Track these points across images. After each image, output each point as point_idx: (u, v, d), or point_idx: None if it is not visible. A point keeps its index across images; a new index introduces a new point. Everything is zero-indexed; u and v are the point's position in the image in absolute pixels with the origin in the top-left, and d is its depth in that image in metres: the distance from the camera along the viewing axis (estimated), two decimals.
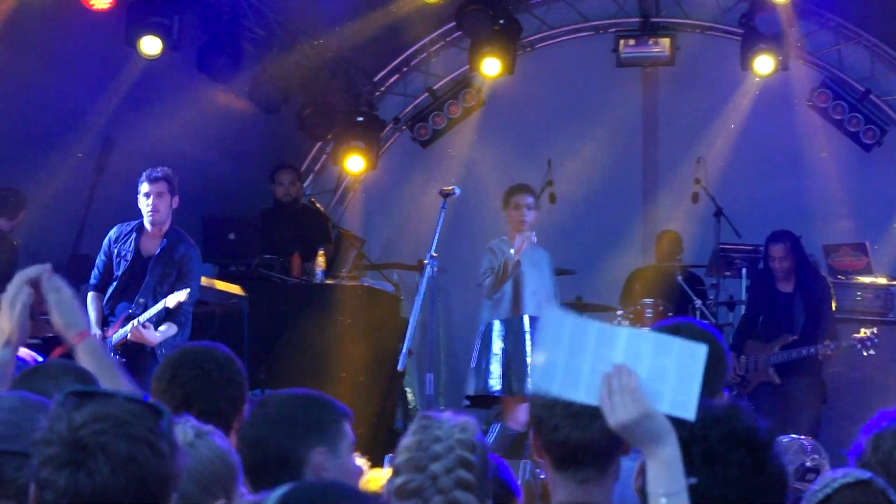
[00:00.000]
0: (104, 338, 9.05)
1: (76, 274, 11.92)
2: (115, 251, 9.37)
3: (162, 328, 9.14)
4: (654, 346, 3.15)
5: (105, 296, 9.38)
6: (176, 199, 9.41)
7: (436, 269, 9.60)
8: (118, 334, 9.06)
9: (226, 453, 3.52)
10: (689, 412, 3.10)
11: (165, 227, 9.39)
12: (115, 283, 9.30)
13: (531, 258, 10.89)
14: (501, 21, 13.64)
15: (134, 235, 9.37)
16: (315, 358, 11.64)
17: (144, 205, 9.30)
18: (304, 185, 14.55)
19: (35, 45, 12.10)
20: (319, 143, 15.13)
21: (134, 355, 9.00)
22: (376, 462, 5.14)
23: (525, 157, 14.03)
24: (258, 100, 13.50)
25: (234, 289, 11.32)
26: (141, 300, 9.11)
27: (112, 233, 9.54)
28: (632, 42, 14.57)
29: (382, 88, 15.21)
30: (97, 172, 13.08)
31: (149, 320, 9.07)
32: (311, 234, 13.19)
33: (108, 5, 11.86)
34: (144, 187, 9.30)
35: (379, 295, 12.70)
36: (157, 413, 2.73)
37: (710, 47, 14.60)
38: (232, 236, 12.70)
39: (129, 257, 9.30)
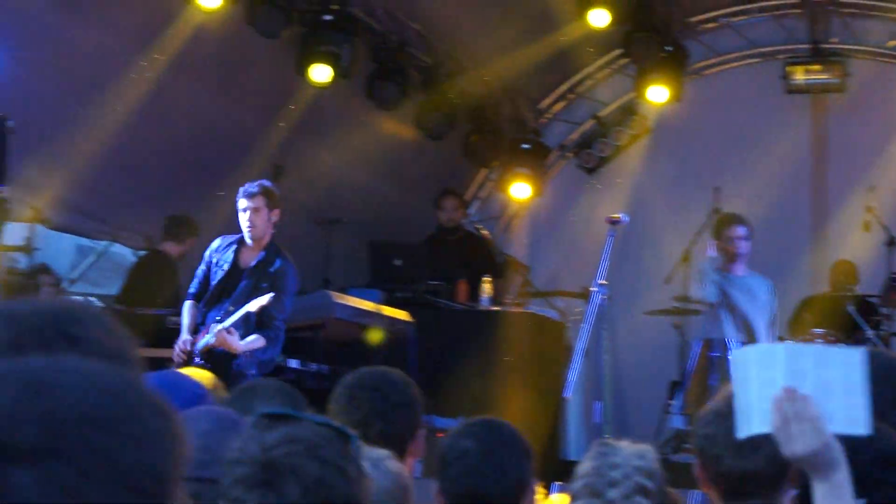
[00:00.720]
0: (193, 344, 9.05)
1: None
2: (215, 261, 9.35)
3: (249, 338, 9.03)
4: (814, 359, 2.98)
5: (200, 304, 9.35)
6: (276, 212, 9.33)
7: (605, 296, 9.55)
8: (203, 341, 9.04)
9: (400, 476, 3.53)
10: (863, 427, 2.94)
11: (265, 241, 9.32)
12: (210, 293, 9.27)
13: (746, 285, 10.92)
14: (669, 48, 13.57)
15: (234, 247, 9.31)
16: (482, 384, 11.64)
17: (243, 220, 9.23)
18: (470, 211, 14.60)
19: (209, 73, 12.35)
20: (485, 169, 15.17)
21: (217, 363, 8.93)
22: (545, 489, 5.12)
23: (692, 184, 13.90)
24: (425, 127, 13.61)
25: (401, 314, 11.38)
26: (230, 308, 9.07)
27: (214, 243, 9.49)
28: (801, 68, 14.38)
29: (548, 115, 15.22)
30: None
31: (237, 329, 9.00)
32: (477, 260, 13.22)
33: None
34: (242, 203, 9.23)
35: (545, 322, 12.67)
36: (346, 437, 2.75)
37: (882, 73, 14.34)
38: (398, 262, 12.75)
39: (226, 268, 9.25)
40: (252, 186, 9.22)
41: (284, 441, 2.68)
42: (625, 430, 11.34)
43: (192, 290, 9.38)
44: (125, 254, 12.31)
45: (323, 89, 12.63)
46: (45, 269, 11.27)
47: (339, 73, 12.47)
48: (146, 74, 11.72)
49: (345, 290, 11.83)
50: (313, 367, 10.77)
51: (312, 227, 12.92)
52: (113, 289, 12.07)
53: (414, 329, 11.37)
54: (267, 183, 9.32)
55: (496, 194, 15.23)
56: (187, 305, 9.29)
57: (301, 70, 12.51)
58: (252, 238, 9.22)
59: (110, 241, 12.28)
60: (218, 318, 9.02)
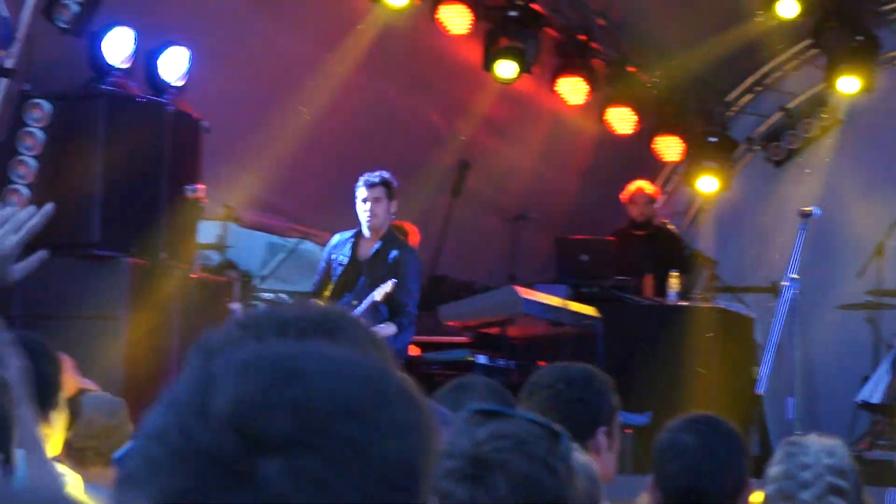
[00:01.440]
0: None
1: (435, 294, 12.22)
2: (334, 257, 9.33)
3: (380, 326, 8.98)
4: None
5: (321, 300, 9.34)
6: (395, 203, 9.28)
7: (796, 290, 9.40)
8: None
9: (588, 468, 3.52)
10: None
11: (383, 232, 9.29)
12: (332, 289, 9.28)
13: None
14: (859, 37, 13.28)
15: (351, 241, 9.30)
16: (670, 380, 11.55)
17: (362, 210, 9.20)
18: (657, 205, 14.49)
19: (397, 71, 12.48)
20: (671, 164, 15.04)
21: None
22: None
23: (885, 175, 13.59)
24: (611, 121, 13.54)
25: (589, 310, 11.35)
26: (353, 301, 9.03)
27: (332, 240, 9.52)
28: None
29: (735, 108, 15.02)
30: (453, 195, 13.35)
31: (364, 317, 8.96)
32: (665, 255, 13.10)
33: (467, 30, 12.12)
34: (362, 192, 9.21)
35: (734, 317, 12.51)
36: (555, 435, 2.75)
37: None
38: (585, 258, 12.70)
39: (345, 262, 9.26)
40: (373, 177, 9.19)
41: (494, 437, 2.69)
42: (817, 426, 11.13)
43: (312, 287, 9.48)
44: (315, 251, 12.48)
45: (509, 85, 12.66)
46: (231, 265, 11.49)
47: (525, 69, 12.48)
48: (336, 73, 11.89)
49: (531, 286, 11.83)
50: (501, 362, 10.81)
51: (499, 222, 12.96)
52: (302, 285, 12.26)
53: (601, 324, 11.33)
54: (387, 174, 9.24)
55: (682, 188, 15.08)
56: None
57: (487, 66, 12.56)
58: (371, 228, 9.19)
59: (300, 238, 12.47)
60: None
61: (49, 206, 3.00)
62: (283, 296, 12.04)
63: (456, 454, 2.69)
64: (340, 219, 11.75)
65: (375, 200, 9.10)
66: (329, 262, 9.36)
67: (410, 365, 10.61)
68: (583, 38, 13.05)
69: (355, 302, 8.97)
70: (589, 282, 12.55)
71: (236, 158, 10.58)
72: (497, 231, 13.02)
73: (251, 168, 11.05)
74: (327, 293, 9.36)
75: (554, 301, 11.12)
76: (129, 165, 9.60)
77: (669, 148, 14.21)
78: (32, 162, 9.37)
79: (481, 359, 10.73)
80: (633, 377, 11.65)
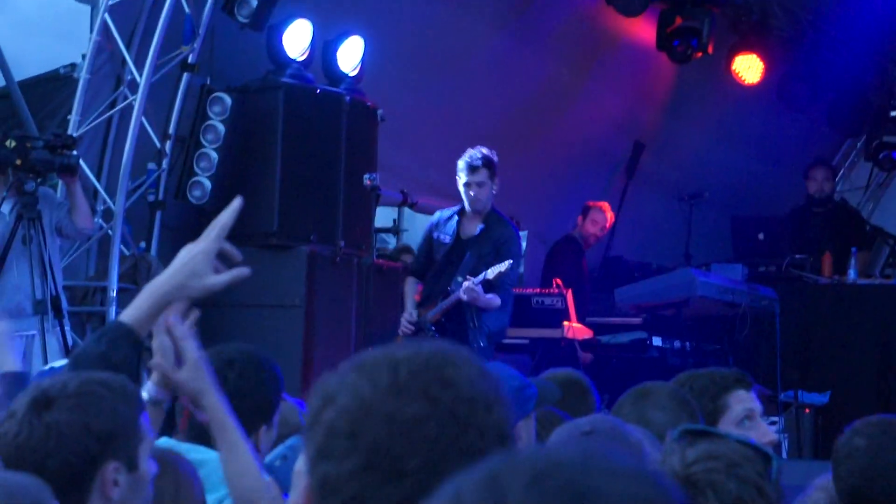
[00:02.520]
0: (419, 316, 9.01)
1: (609, 275, 12.26)
2: (436, 236, 9.22)
3: (489, 296, 8.87)
4: None
5: (424, 280, 9.28)
6: (497, 182, 9.09)
7: None
8: (436, 309, 8.92)
9: None
10: None
11: (486, 211, 9.13)
12: (435, 267, 9.19)
13: None
14: None
15: (455, 219, 9.17)
16: (849, 359, 11.40)
17: (465, 193, 9.06)
18: (835, 181, 14.28)
19: (572, 54, 12.52)
20: (850, 139, 14.80)
21: (450, 335, 8.83)
22: None
23: None
24: (787, 98, 13.38)
25: (766, 290, 11.27)
26: (459, 279, 8.88)
27: (434, 217, 9.40)
28: None
29: None
30: (628, 176, 13.36)
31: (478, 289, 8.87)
32: (844, 232, 12.91)
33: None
34: (463, 177, 9.06)
35: None
36: (766, 458, 2.78)
37: None
38: (761, 236, 12.60)
39: (448, 241, 9.14)
40: (475, 159, 9.03)
41: (704, 458, 2.74)
42: None
43: (412, 266, 9.43)
44: None
45: (683, 65, 12.60)
46: (407, 250, 11.67)
47: (700, 48, 12.40)
48: (509, 56, 11.97)
49: (707, 266, 11.78)
50: (676, 344, 10.81)
51: (674, 202, 12.93)
52: None
53: (778, 304, 11.23)
54: (489, 153, 9.09)
55: (862, 164, 14.83)
56: (409, 281, 9.30)
57: (662, 46, 12.51)
58: (474, 211, 9.10)
59: None
60: (450, 289, 8.95)
61: (238, 201, 3.12)
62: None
63: (667, 474, 2.73)
64: (515, 201, 11.87)
65: (479, 185, 8.98)
66: (431, 239, 9.28)
67: (585, 347, 10.68)
68: (759, 16, 12.91)
69: (461, 279, 8.87)
70: (766, 261, 12.42)
71: (411, 145, 10.76)
72: (672, 211, 12.99)
73: (425, 154, 11.21)
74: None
75: (730, 282, 11.06)
76: (307, 155, 9.84)
77: (849, 123, 13.97)
78: (214, 154, 9.66)
79: (656, 341, 10.74)
80: (811, 357, 11.53)
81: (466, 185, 9.00)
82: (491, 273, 8.74)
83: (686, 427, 2.81)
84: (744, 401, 4.27)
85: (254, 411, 3.78)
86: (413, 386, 1.81)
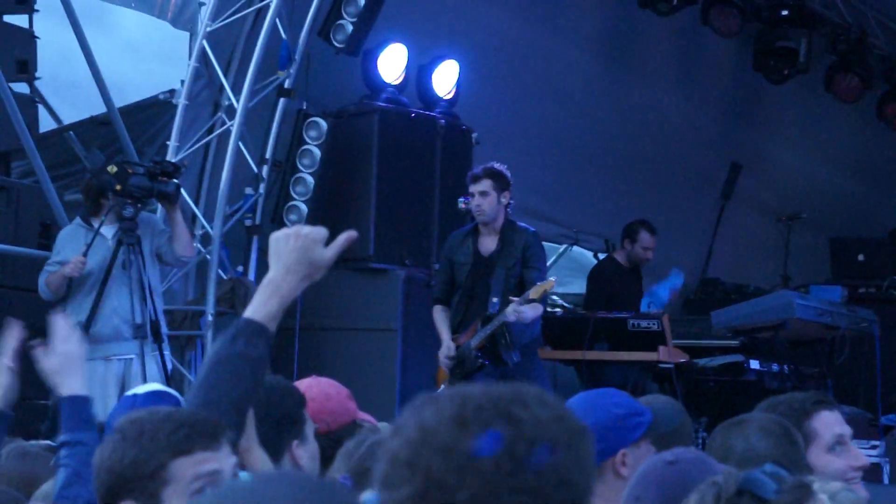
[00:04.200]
0: (457, 347, 8.74)
1: (706, 297, 12.17)
2: (455, 259, 8.96)
3: (531, 307, 8.57)
4: None
5: (452, 306, 9.02)
6: (507, 194, 8.82)
7: None
8: (480, 335, 8.73)
9: None
10: None
11: (499, 224, 8.88)
12: (460, 291, 8.94)
13: None
14: None
15: (471, 238, 8.94)
16: None
17: (473, 205, 8.84)
18: None
19: (667, 74, 12.48)
20: None
21: (494, 357, 8.68)
22: None
23: None
24: (887, 118, 13.23)
25: (865, 311, 11.13)
26: (494, 300, 8.66)
27: (448, 241, 9.15)
28: None
29: None
30: (725, 197, 13.27)
31: (497, 305, 8.67)
32: None
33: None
34: (470, 187, 8.85)
35: None
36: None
37: None
38: (861, 257, 12.47)
39: (467, 261, 8.91)
40: (477, 169, 8.86)
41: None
42: None
43: (436, 294, 9.11)
44: (585, 255, 12.61)
45: (781, 85, 12.51)
46: None
47: (798, 68, 12.31)
48: (604, 80, 11.96)
49: (805, 287, 11.67)
50: (774, 367, 10.69)
51: (772, 224, 12.82)
52: (574, 287, 12.39)
53: (878, 326, 11.09)
54: (497, 167, 8.86)
55: None
56: (438, 310, 9.00)
57: (759, 67, 12.43)
58: (481, 222, 8.88)
59: (571, 243, 12.61)
60: (489, 311, 8.70)
61: (353, 235, 3.14)
62: (556, 297, 12.19)
63: None
64: (609, 223, 11.84)
65: (482, 194, 8.75)
66: (451, 263, 9.01)
67: (681, 370, 10.60)
68: (858, 34, 12.77)
69: (495, 300, 8.67)
70: (866, 282, 12.30)
71: (507, 168, 10.74)
72: (770, 232, 12.88)
73: (520, 177, 11.21)
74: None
75: (829, 304, 10.94)
76: (402, 179, 9.89)
77: None
78: (310, 179, 9.74)
79: (754, 364, 10.63)
80: None
81: (471, 195, 8.84)
82: (534, 293, 8.53)
83: (771, 469, 2.78)
84: (831, 425, 4.18)
85: (276, 431, 3.79)
86: (476, 420, 1.83)
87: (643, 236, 11.05)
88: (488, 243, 8.91)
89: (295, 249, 3.03)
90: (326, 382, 4.44)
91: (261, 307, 3.04)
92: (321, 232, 3.06)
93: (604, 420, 3.78)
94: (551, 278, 8.74)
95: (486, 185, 8.77)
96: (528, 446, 1.83)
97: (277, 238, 3.07)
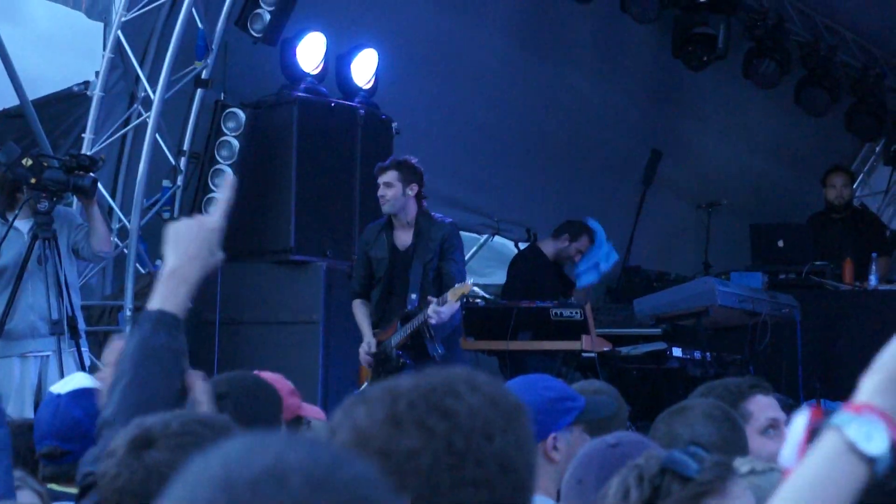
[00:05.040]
0: (379, 343, 8.72)
1: (628, 285, 12.19)
2: (371, 253, 8.90)
3: (452, 306, 8.53)
4: None
5: (372, 301, 8.96)
6: (414, 186, 8.73)
7: None
8: (400, 333, 8.66)
9: None
10: None
11: (412, 216, 8.81)
12: (380, 286, 8.90)
13: None
14: None
15: (385, 232, 8.87)
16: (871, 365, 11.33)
17: (379, 195, 8.81)
18: (854, 187, 14.22)
19: (586, 61, 12.48)
20: (869, 143, 14.72)
21: (415, 353, 8.64)
22: None
23: None
24: (805, 103, 13.31)
25: (786, 297, 11.19)
26: (412, 296, 8.65)
27: (364, 235, 9.11)
28: None
29: None
30: (645, 184, 13.29)
31: (415, 300, 8.66)
32: (865, 238, 12.83)
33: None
34: (377, 179, 8.81)
35: None
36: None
37: None
38: (781, 243, 12.51)
39: (384, 255, 8.85)
40: (385, 161, 8.82)
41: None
42: None
43: (355, 287, 9.03)
44: (507, 245, 12.58)
45: (700, 71, 12.54)
46: None
47: (717, 55, 12.34)
48: (523, 67, 11.93)
49: (726, 274, 11.71)
50: (697, 354, 10.72)
51: (692, 210, 12.87)
52: (495, 278, 12.36)
53: (799, 311, 11.15)
54: (404, 158, 8.83)
55: (881, 168, 14.76)
56: (358, 305, 8.94)
57: (678, 53, 12.46)
58: (386, 212, 8.81)
59: (493, 232, 12.57)
60: (408, 308, 8.67)
61: (232, 177, 3.15)
62: (476, 288, 12.15)
63: None
64: (531, 212, 11.83)
65: (386, 185, 8.69)
66: (368, 257, 8.94)
67: (605, 359, 10.60)
68: (775, 20, 12.83)
69: (413, 296, 8.63)
70: (786, 268, 12.35)
71: (426, 157, 10.68)
72: (690, 219, 12.94)
73: (440, 166, 11.17)
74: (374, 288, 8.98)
75: (750, 290, 10.99)
76: (323, 170, 9.81)
77: (867, 127, 13.90)
78: (229, 170, 9.63)
79: (676, 351, 10.65)
80: (834, 364, 11.47)
81: (377, 186, 8.79)
82: (452, 295, 8.47)
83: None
84: (765, 408, 4.20)
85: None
86: (409, 418, 1.80)
87: (583, 241, 11.07)
88: (404, 237, 8.84)
89: (197, 238, 3.02)
90: (270, 377, 4.36)
91: (171, 297, 3.00)
92: (221, 222, 3.06)
93: (535, 403, 3.74)
94: (469, 281, 8.66)
95: (391, 175, 8.69)
96: (466, 439, 1.80)
97: (178, 227, 3.05)
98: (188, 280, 3.02)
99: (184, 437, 2.68)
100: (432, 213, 8.92)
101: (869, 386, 1.87)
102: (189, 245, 3.02)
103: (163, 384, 2.96)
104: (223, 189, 3.21)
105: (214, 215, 3.06)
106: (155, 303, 3.00)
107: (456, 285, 8.52)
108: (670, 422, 3.86)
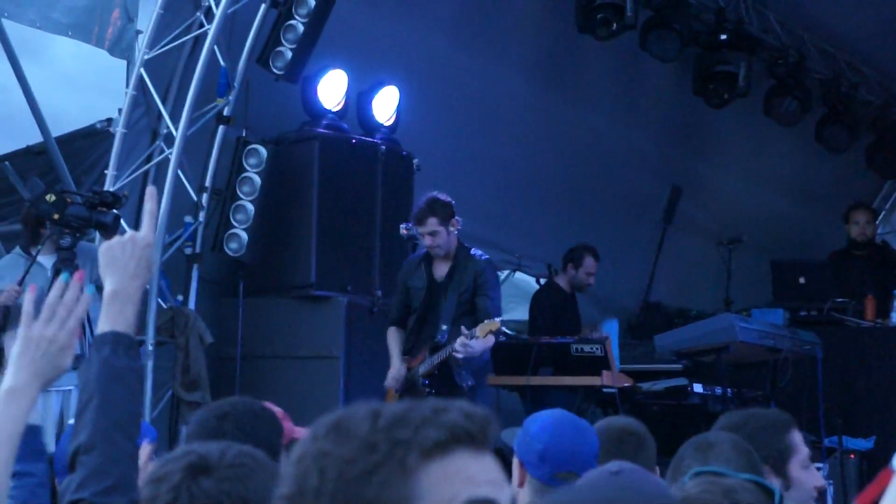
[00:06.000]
0: (409, 369, 8.80)
1: (649, 321, 12.17)
2: (410, 284, 9.00)
3: (484, 340, 8.61)
4: None
5: (406, 329, 9.05)
6: (454, 221, 8.87)
7: None
8: (428, 363, 8.74)
9: None
10: None
11: (452, 249, 8.94)
12: (414, 315, 8.99)
13: None
14: None
15: (424, 263, 8.97)
16: (893, 403, 11.30)
17: (426, 244, 8.88)
18: (877, 224, 14.20)
19: (605, 99, 12.51)
20: (890, 181, 14.72)
21: (441, 384, 8.71)
22: None
23: None
24: (826, 140, 13.32)
25: (807, 335, 11.17)
26: (444, 327, 8.75)
27: (404, 266, 9.19)
28: None
29: None
30: (666, 221, 13.30)
31: (454, 336, 8.67)
32: (886, 275, 12.81)
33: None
34: (418, 230, 8.89)
35: None
36: (769, 493, 2.78)
37: None
38: (802, 280, 12.49)
39: (422, 285, 8.95)
40: (419, 208, 8.86)
41: (704, 484, 2.74)
42: None
43: (393, 314, 9.12)
44: (528, 281, 12.58)
45: (721, 109, 12.56)
46: None
47: (737, 93, 12.37)
48: (543, 105, 11.97)
49: (748, 311, 11.70)
50: (717, 390, 10.70)
51: (713, 247, 12.86)
52: (517, 314, 12.37)
53: (821, 348, 11.13)
54: (436, 197, 8.88)
55: None
56: (392, 332, 9.04)
57: (698, 91, 12.49)
58: (439, 255, 8.92)
59: (514, 269, 12.58)
60: (437, 339, 8.76)
61: (153, 188, 3.19)
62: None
63: None
64: (552, 248, 11.83)
65: (431, 235, 8.80)
66: (407, 287, 9.05)
67: (625, 394, 10.59)
68: (796, 58, 12.86)
69: (445, 327, 8.73)
70: (807, 305, 12.33)
71: (447, 194, 10.74)
72: (711, 256, 12.92)
73: (461, 202, 11.20)
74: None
75: (771, 327, 10.97)
76: (344, 206, 9.84)
77: (888, 165, 13.90)
78: (250, 206, 9.67)
79: (697, 387, 10.63)
80: (855, 401, 11.43)
81: (421, 235, 8.88)
82: (481, 330, 8.52)
83: (698, 469, 2.82)
84: (802, 442, 4.21)
85: None
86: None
87: (588, 261, 11.09)
88: (441, 269, 8.94)
89: (134, 256, 3.04)
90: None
91: (120, 318, 3.00)
92: (152, 235, 3.08)
93: None
94: (497, 319, 8.67)
95: (432, 223, 8.77)
96: None
97: (111, 246, 3.06)
98: (132, 299, 3.03)
99: (237, 468, 2.66)
100: (471, 249, 9.03)
101: None
102: (127, 264, 3.03)
103: (130, 404, 2.97)
104: (147, 201, 3.18)
105: (144, 230, 3.07)
106: (105, 325, 3.00)
107: (486, 321, 8.57)
108: (701, 457, 3.85)
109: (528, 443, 4.23)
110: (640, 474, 3.27)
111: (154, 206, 3.15)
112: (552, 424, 4.26)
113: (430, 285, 8.94)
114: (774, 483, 4.08)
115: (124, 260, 3.04)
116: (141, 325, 9.56)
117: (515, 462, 4.27)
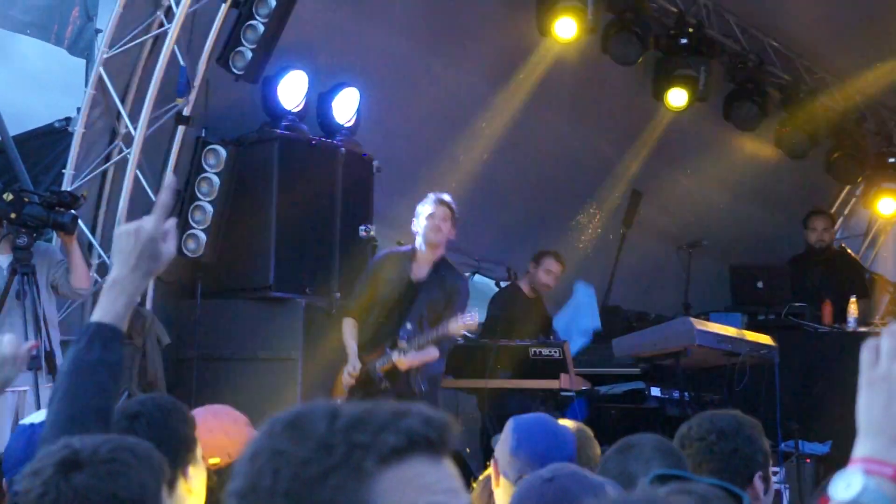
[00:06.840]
0: (364, 363, 8.81)
1: (607, 325, 12.19)
2: (383, 274, 8.98)
3: (429, 350, 8.76)
4: None
5: (366, 321, 9.01)
6: (454, 231, 8.98)
7: None
8: (384, 361, 8.76)
9: None
10: None
11: (438, 253, 8.97)
12: (381, 307, 8.97)
13: None
14: None
15: (405, 260, 8.97)
16: (850, 408, 11.23)
17: (426, 224, 8.89)
18: (834, 230, 14.28)
19: (566, 103, 12.52)
20: (849, 186, 14.80)
21: (397, 381, 8.74)
22: None
23: None
24: (785, 146, 13.39)
25: (764, 339, 11.21)
26: (408, 325, 8.79)
27: (380, 255, 9.18)
28: None
29: None
30: (626, 225, 13.33)
31: (413, 340, 8.76)
32: (844, 280, 12.89)
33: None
34: (428, 208, 8.90)
35: None
36: (738, 499, 2.77)
37: None
38: (760, 285, 12.56)
39: (395, 280, 8.93)
40: (445, 196, 8.98)
41: (677, 492, 2.71)
42: None
43: (351, 305, 9.07)
44: (487, 283, 12.57)
45: (680, 113, 12.61)
46: None
47: (697, 96, 12.42)
48: (504, 108, 11.97)
49: (706, 315, 11.74)
50: (675, 394, 10.74)
51: (672, 251, 12.90)
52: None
53: (778, 353, 11.17)
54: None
55: (861, 211, 14.83)
56: (348, 324, 8.97)
57: (658, 95, 12.52)
58: (429, 242, 8.90)
59: (473, 271, 12.56)
60: (399, 334, 8.79)
61: (172, 178, 3.17)
62: None
63: None
64: (510, 251, 11.84)
65: (443, 218, 8.88)
66: (378, 279, 9.00)
67: (584, 398, 10.61)
68: (756, 63, 12.92)
69: (409, 326, 8.76)
70: (765, 309, 12.39)
71: (407, 196, 10.72)
72: (670, 260, 12.96)
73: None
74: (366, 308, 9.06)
75: (729, 331, 11.01)
76: (303, 207, 9.81)
77: (846, 171, 13.98)
78: (209, 207, 9.62)
79: (655, 391, 10.67)
80: (812, 406, 11.48)
81: (429, 215, 8.87)
82: (454, 327, 8.60)
83: (658, 472, 2.79)
84: None
85: (173, 455, 3.73)
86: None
87: (548, 260, 11.12)
88: (420, 271, 8.94)
89: (137, 247, 3.03)
90: (223, 411, 4.34)
91: (110, 308, 3.01)
92: (161, 227, 3.06)
93: None
94: (475, 318, 8.72)
95: (449, 214, 8.91)
96: None
97: (120, 234, 3.06)
98: (127, 291, 3.03)
99: (110, 464, 2.63)
100: (450, 261, 9.11)
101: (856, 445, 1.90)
102: (129, 256, 3.04)
103: (95, 399, 2.95)
104: (162, 192, 3.19)
105: (153, 220, 3.06)
106: (95, 314, 3.02)
107: (466, 317, 8.62)
108: (621, 459, 3.88)
109: (502, 443, 4.27)
110: (575, 480, 3.28)
111: (167, 198, 3.14)
112: (527, 426, 4.29)
113: (406, 283, 8.93)
114: (761, 488, 4.13)
115: (127, 251, 3.04)
116: None
117: (493, 462, 4.30)
